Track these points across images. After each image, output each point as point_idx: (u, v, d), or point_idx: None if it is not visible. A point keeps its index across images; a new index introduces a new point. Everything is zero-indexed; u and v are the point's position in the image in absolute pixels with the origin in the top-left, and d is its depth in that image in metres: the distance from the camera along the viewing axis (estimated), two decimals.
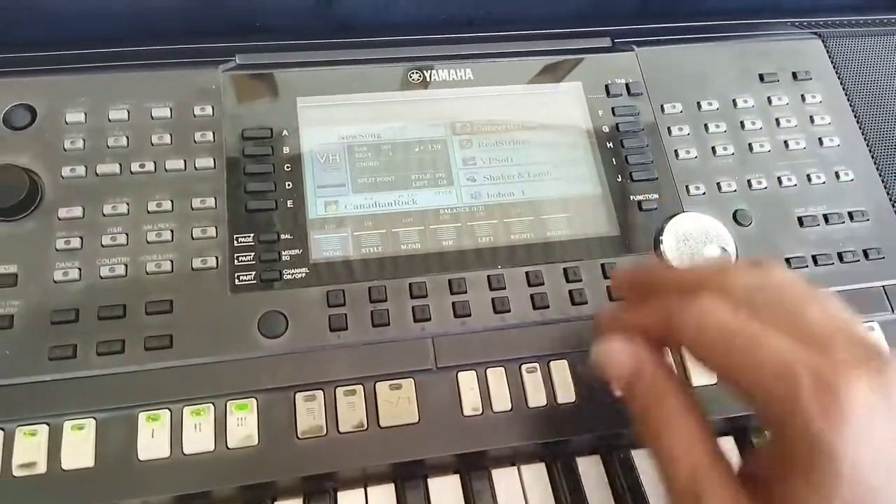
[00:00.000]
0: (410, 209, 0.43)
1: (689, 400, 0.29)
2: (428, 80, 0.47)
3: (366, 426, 0.37)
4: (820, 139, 0.48)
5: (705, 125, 0.48)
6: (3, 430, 0.36)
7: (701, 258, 0.43)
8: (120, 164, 0.41)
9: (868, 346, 0.26)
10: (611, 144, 0.46)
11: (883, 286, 0.45)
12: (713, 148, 0.47)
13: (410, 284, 0.41)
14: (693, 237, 0.44)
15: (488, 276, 0.42)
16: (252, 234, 0.41)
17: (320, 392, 0.38)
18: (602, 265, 0.43)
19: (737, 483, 0.26)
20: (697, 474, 0.26)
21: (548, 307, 0.41)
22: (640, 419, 0.30)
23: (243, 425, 0.37)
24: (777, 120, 0.48)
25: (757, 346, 0.26)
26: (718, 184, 0.46)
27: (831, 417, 0.24)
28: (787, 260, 0.44)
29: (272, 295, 0.40)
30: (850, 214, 0.46)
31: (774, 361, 0.25)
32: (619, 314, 0.34)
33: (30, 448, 0.35)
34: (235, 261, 0.40)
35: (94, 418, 0.36)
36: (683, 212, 0.45)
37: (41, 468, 0.35)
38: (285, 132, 0.44)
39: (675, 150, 0.47)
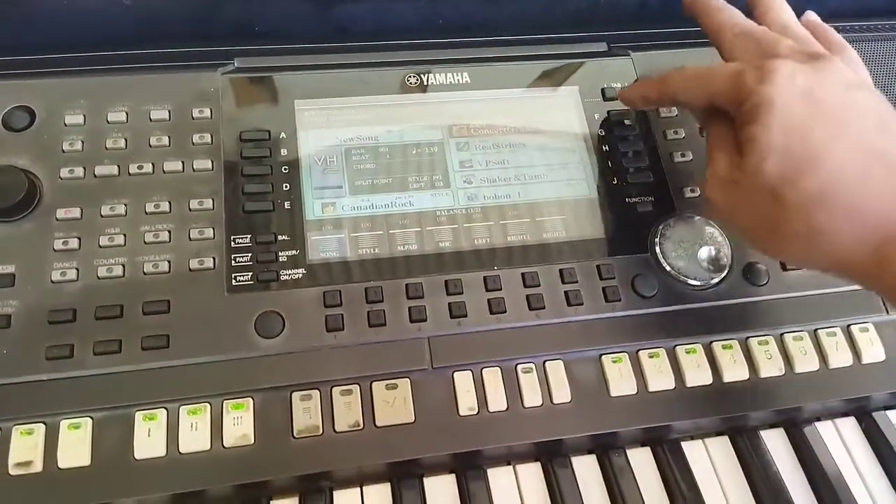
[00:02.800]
0: (407, 211, 0.43)
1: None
2: (425, 83, 0.47)
3: (362, 426, 0.38)
4: None
5: (700, 128, 0.48)
6: None
7: (694, 259, 0.43)
8: (118, 166, 0.41)
9: (812, 55, 0.36)
10: (606, 148, 0.47)
11: None
12: None
13: (407, 285, 0.41)
14: (688, 239, 0.44)
15: (484, 278, 0.42)
16: (249, 236, 0.41)
17: (316, 392, 0.38)
18: (597, 267, 0.43)
19: (737, 148, 0.36)
20: (715, 148, 0.38)
21: (543, 308, 0.41)
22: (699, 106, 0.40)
23: (239, 424, 0.37)
24: None
25: (719, 69, 0.37)
26: None
27: (764, 77, 0.34)
28: (782, 264, 0.44)
29: (269, 295, 0.40)
30: None
31: (729, 72, 0.36)
32: None
33: (26, 447, 0.35)
34: (232, 261, 0.40)
35: (91, 417, 0.36)
36: (678, 214, 0.45)
37: (37, 467, 0.35)
38: (283, 135, 0.44)
39: (670, 153, 0.47)
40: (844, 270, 0.35)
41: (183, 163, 0.42)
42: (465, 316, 0.41)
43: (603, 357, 0.41)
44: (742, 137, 0.35)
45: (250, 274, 0.40)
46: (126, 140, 0.42)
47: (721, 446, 0.42)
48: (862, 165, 0.33)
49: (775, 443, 0.42)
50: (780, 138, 0.33)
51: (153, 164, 0.42)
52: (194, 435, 0.36)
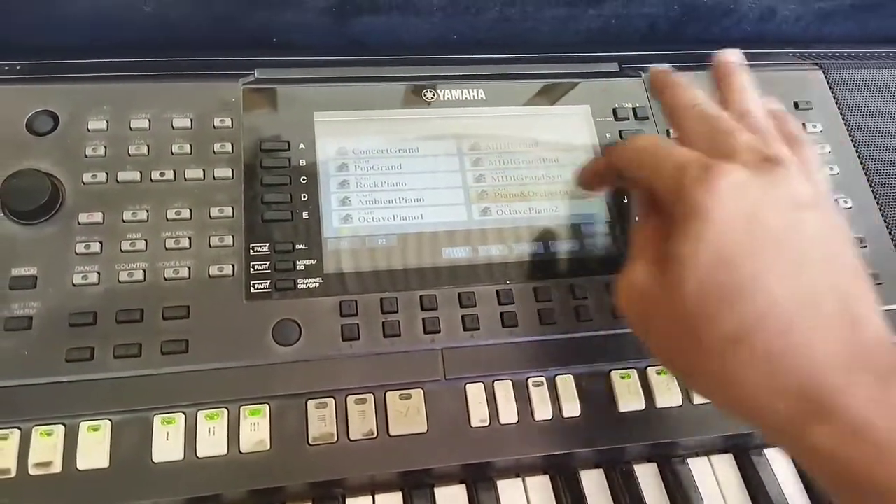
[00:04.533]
0: (422, 224, 0.44)
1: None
2: (441, 98, 0.48)
3: (375, 434, 0.38)
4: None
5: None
6: (19, 429, 0.36)
7: None
8: (140, 172, 0.42)
9: (768, 158, 0.32)
10: None
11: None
12: None
13: (421, 297, 0.42)
14: None
15: (497, 291, 0.43)
16: (268, 244, 0.42)
17: (332, 400, 0.39)
18: (606, 284, 0.44)
19: (660, 257, 0.33)
20: (639, 249, 0.35)
21: (554, 323, 0.42)
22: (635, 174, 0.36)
23: (256, 430, 0.37)
24: None
25: (668, 153, 0.33)
26: None
27: (705, 186, 0.30)
28: None
29: (286, 304, 0.40)
30: None
31: (675, 161, 0.32)
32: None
33: (46, 448, 0.36)
34: (251, 269, 0.41)
35: (110, 420, 0.37)
36: None
37: (56, 468, 0.36)
38: (302, 145, 0.45)
39: None
40: (758, 424, 0.31)
41: (204, 171, 0.43)
42: (478, 329, 0.41)
43: (612, 373, 0.42)
44: (668, 249, 0.31)
45: (268, 282, 0.41)
46: (148, 147, 0.43)
47: (726, 464, 0.43)
48: (792, 307, 0.29)
49: (779, 462, 0.43)
50: (707, 264, 0.30)
51: (175, 172, 0.42)
52: (212, 439, 0.37)
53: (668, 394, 0.41)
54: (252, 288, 0.40)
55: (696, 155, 0.32)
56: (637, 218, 0.37)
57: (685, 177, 0.31)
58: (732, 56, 0.40)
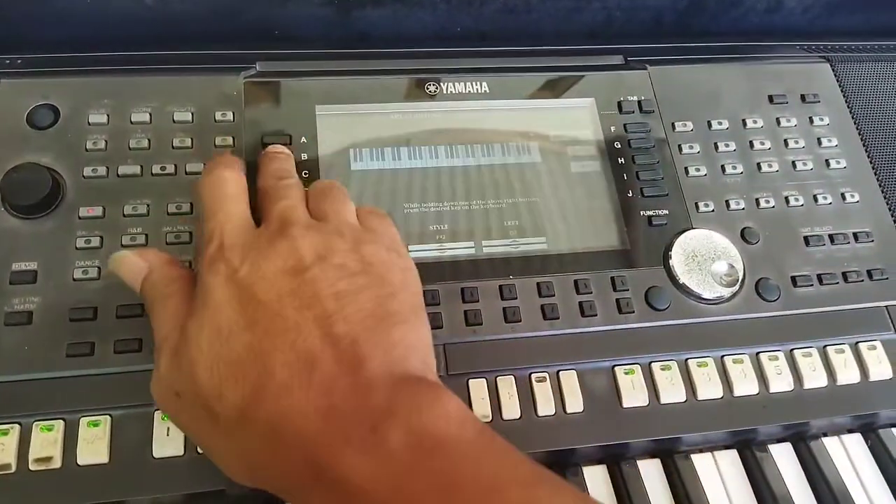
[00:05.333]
0: (425, 217, 0.44)
1: (180, 287, 0.34)
2: (444, 91, 0.48)
3: None
4: (827, 161, 0.49)
5: (715, 144, 0.48)
6: (19, 424, 0.36)
7: (709, 273, 0.44)
8: (141, 166, 0.42)
9: (282, 223, 0.33)
10: (622, 160, 0.47)
11: (886, 306, 0.45)
12: (722, 166, 0.48)
13: (423, 292, 0.41)
14: (701, 253, 0.44)
15: (500, 286, 0.42)
16: None
17: None
18: (612, 278, 0.43)
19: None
20: (162, 344, 0.33)
21: (558, 318, 0.42)
22: (148, 306, 0.35)
23: None
24: (785, 141, 0.49)
25: (211, 217, 0.34)
26: (727, 201, 0.47)
27: (209, 266, 0.32)
28: (793, 278, 0.45)
29: None
30: (855, 235, 0.47)
31: (211, 229, 0.33)
32: None
33: (46, 443, 0.36)
34: None
35: (110, 415, 0.37)
36: (692, 228, 0.45)
37: (56, 463, 0.35)
38: (304, 139, 0.44)
39: (686, 168, 0.48)
40: (274, 492, 0.30)
41: (205, 164, 0.42)
42: (481, 324, 0.41)
43: (616, 368, 0.41)
44: (182, 335, 0.31)
45: None
46: (149, 140, 0.43)
47: (730, 459, 0.42)
48: (287, 372, 0.29)
49: (783, 457, 0.43)
50: (209, 343, 0.30)
51: (175, 166, 0.42)
52: None
53: (672, 389, 0.41)
54: None
55: (218, 232, 0.33)
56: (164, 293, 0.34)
57: (205, 253, 0.33)
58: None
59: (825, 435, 0.44)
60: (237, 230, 0.33)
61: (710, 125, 0.49)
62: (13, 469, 0.35)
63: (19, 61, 0.45)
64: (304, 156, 0.44)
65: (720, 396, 0.41)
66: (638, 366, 0.41)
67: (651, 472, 0.41)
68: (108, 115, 0.43)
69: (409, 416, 0.27)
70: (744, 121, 0.50)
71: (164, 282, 0.34)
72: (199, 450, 0.36)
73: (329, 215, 0.35)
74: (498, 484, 0.27)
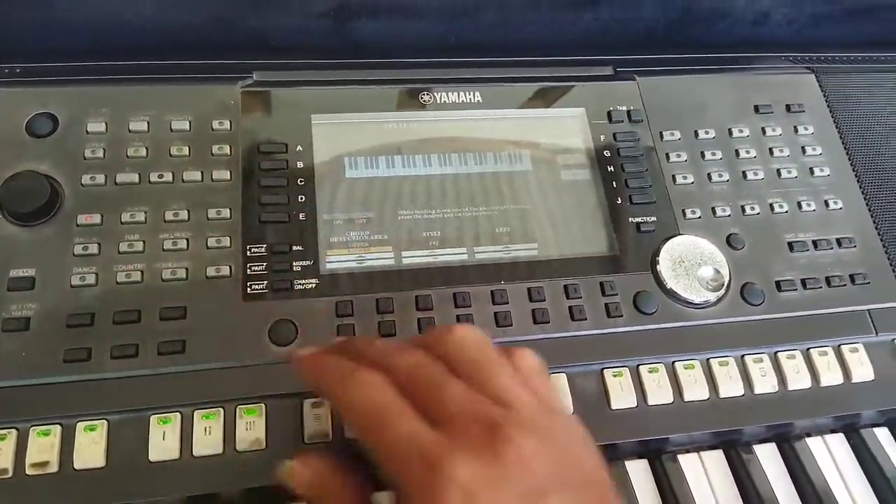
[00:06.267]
0: (418, 223, 0.45)
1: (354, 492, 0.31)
2: (438, 101, 0.49)
3: None
4: (811, 169, 0.50)
5: (702, 152, 0.50)
6: (17, 429, 0.36)
7: (695, 278, 0.45)
8: (139, 174, 0.42)
9: (487, 424, 0.27)
10: (611, 168, 0.48)
11: (868, 310, 0.46)
12: (709, 174, 0.49)
13: (417, 297, 0.42)
14: (688, 259, 0.45)
15: (491, 291, 0.43)
16: (265, 245, 0.42)
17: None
18: (601, 283, 0.44)
19: None
20: None
21: (548, 322, 0.43)
22: None
23: (252, 429, 0.38)
24: (770, 149, 0.51)
25: (389, 426, 0.28)
26: (713, 208, 0.48)
27: (429, 495, 0.25)
28: (777, 283, 0.46)
29: (283, 304, 0.41)
30: (839, 241, 0.48)
31: (397, 443, 0.27)
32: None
33: (43, 447, 0.36)
34: (248, 270, 0.41)
35: (107, 420, 0.37)
36: (679, 234, 0.46)
37: (53, 467, 0.36)
38: (300, 147, 0.45)
39: (673, 176, 0.49)
40: None
41: (202, 173, 0.43)
42: None
43: (604, 371, 0.42)
44: None
45: (265, 283, 0.41)
46: (147, 149, 0.43)
47: (715, 459, 0.43)
48: None
49: (767, 457, 0.43)
50: None
51: (173, 174, 0.43)
52: (208, 439, 0.37)
53: (660, 391, 0.42)
54: (249, 289, 0.41)
55: (414, 434, 0.27)
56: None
57: (408, 474, 0.27)
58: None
59: (809, 435, 0.45)
60: (435, 438, 0.27)
61: (696, 134, 0.50)
62: (10, 474, 0.35)
63: (18, 70, 0.45)
64: (300, 164, 0.45)
65: (706, 398, 0.42)
66: (626, 368, 0.42)
67: (639, 473, 0.42)
68: (106, 124, 0.43)
69: None
70: (730, 130, 0.51)
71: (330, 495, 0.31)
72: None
73: (510, 400, 0.29)
74: None
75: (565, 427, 0.29)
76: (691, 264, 0.45)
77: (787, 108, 0.52)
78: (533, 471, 0.26)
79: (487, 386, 0.29)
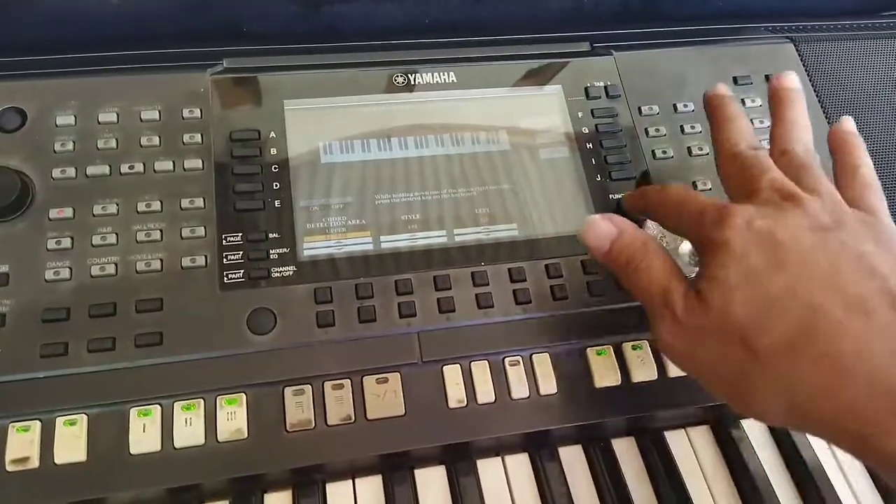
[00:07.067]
0: (396, 207, 0.44)
1: (658, 245, 0.37)
2: (412, 83, 0.48)
3: (353, 419, 0.38)
4: None
5: (681, 126, 0.49)
6: None
7: (676, 255, 0.44)
8: (109, 166, 0.42)
9: (788, 194, 0.34)
10: (590, 145, 0.48)
11: None
12: (689, 148, 0.49)
13: (396, 281, 0.42)
14: (669, 234, 0.45)
15: (472, 273, 0.43)
16: (240, 234, 0.42)
17: (308, 386, 0.39)
18: (582, 262, 0.44)
19: (691, 290, 0.34)
20: (666, 287, 0.35)
21: (530, 302, 0.42)
22: (626, 269, 0.37)
23: (233, 419, 0.38)
24: (751, 121, 0.50)
25: (691, 201, 0.36)
26: (694, 182, 0.47)
27: (720, 225, 0.33)
28: None
29: (261, 292, 0.40)
30: None
31: (695, 208, 0.36)
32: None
33: (22, 443, 0.36)
34: (224, 259, 0.41)
35: (86, 414, 0.37)
36: None
37: (34, 463, 0.36)
38: (273, 134, 0.45)
39: (653, 151, 0.48)
40: (830, 434, 0.31)
41: (174, 162, 0.43)
42: (454, 311, 0.41)
43: (587, 349, 0.42)
44: (701, 280, 0.33)
45: (242, 271, 0.41)
46: (117, 140, 0.43)
47: (703, 435, 0.43)
48: (840, 313, 0.30)
49: (756, 433, 0.43)
50: (741, 281, 0.32)
51: (144, 164, 0.42)
52: (188, 430, 0.37)
53: (644, 368, 0.41)
54: (225, 278, 0.40)
55: (711, 202, 0.35)
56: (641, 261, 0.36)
57: (703, 222, 0.34)
58: (791, 82, 0.43)
59: None
60: (721, 202, 0.35)
61: (675, 108, 0.50)
62: None
63: None
64: (274, 151, 0.44)
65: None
66: (609, 346, 0.42)
67: (626, 450, 0.42)
68: (75, 117, 0.43)
69: None
70: None
71: (639, 243, 0.37)
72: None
73: (820, 191, 0.35)
74: None
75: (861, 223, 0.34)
76: (673, 239, 0.45)
77: (767, 78, 0.51)
78: (815, 219, 0.33)
79: (805, 181, 0.35)
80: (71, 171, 0.42)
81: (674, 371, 0.42)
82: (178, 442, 0.37)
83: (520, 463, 0.41)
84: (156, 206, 0.41)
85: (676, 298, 0.34)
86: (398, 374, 0.40)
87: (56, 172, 0.41)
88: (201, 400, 0.38)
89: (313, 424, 0.38)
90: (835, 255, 0.31)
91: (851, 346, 0.29)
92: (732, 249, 0.32)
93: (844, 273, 0.31)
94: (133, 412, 0.37)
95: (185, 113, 0.44)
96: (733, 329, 0.31)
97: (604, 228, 0.38)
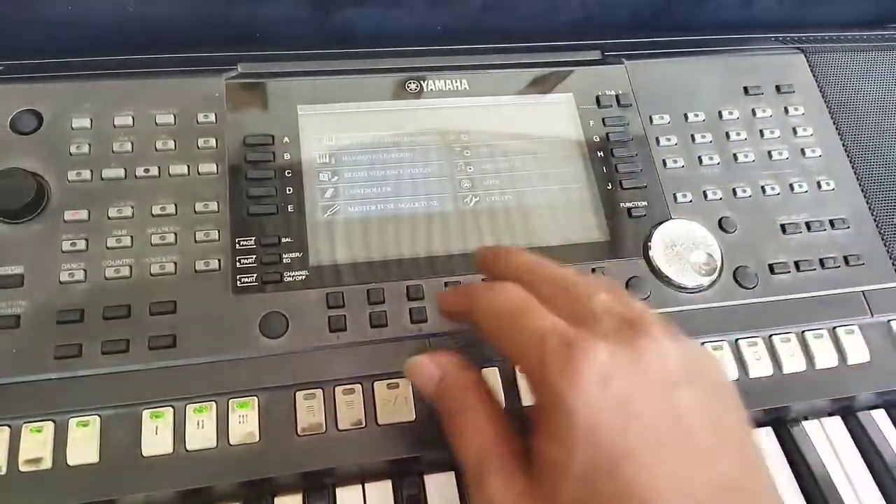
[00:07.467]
0: (407, 215, 0.44)
1: (485, 394, 0.32)
2: (424, 89, 0.48)
3: (364, 424, 0.39)
4: (802, 150, 0.50)
5: (692, 136, 0.49)
6: (9, 426, 0.36)
7: (686, 263, 0.44)
8: (125, 169, 0.42)
9: (628, 321, 0.29)
10: (601, 153, 0.48)
11: (862, 291, 0.46)
12: (699, 157, 0.49)
13: (408, 287, 0.42)
14: (680, 243, 0.45)
15: (483, 280, 0.43)
16: (253, 238, 0.42)
17: (320, 391, 0.39)
18: (593, 269, 0.44)
19: (517, 459, 0.29)
20: (483, 457, 0.29)
21: None
22: (445, 419, 0.32)
23: (245, 423, 0.38)
24: (761, 131, 0.50)
25: (530, 319, 0.29)
26: (704, 192, 0.48)
27: (569, 376, 0.26)
28: (770, 266, 0.46)
29: (273, 296, 0.41)
30: (832, 222, 0.48)
31: (533, 333, 0.29)
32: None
33: (36, 444, 0.36)
34: (237, 263, 0.41)
35: (99, 415, 0.37)
36: (671, 219, 0.46)
37: (47, 464, 0.36)
38: (286, 139, 0.45)
39: (663, 160, 0.48)
40: None
41: (188, 166, 0.43)
42: None
43: None
44: (536, 447, 0.28)
45: (255, 275, 0.41)
46: (132, 144, 0.43)
47: None
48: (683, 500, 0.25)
49: (764, 441, 0.43)
50: (584, 472, 0.25)
51: (159, 168, 0.43)
52: (201, 433, 0.37)
53: None
54: (238, 282, 0.41)
55: (555, 325, 0.29)
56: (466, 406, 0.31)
57: (546, 356, 0.27)
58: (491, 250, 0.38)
59: (805, 419, 0.45)
60: (574, 329, 0.28)
61: (686, 117, 0.50)
62: (4, 471, 0.35)
63: (1, 67, 0.45)
64: (287, 155, 0.44)
65: None
66: None
67: None
68: (91, 120, 0.43)
69: None
70: (720, 112, 0.50)
71: (458, 392, 0.32)
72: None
73: (645, 315, 0.30)
74: None
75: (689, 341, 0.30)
76: (683, 249, 0.45)
77: (777, 88, 0.52)
78: (668, 365, 0.27)
79: (623, 302, 0.30)
80: (86, 174, 0.42)
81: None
82: (190, 444, 0.37)
83: None
84: (170, 209, 0.42)
85: (494, 479, 0.28)
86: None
87: (71, 175, 0.42)
88: (213, 403, 0.38)
89: (324, 428, 0.38)
90: (685, 427, 0.26)
91: None
92: (580, 422, 0.26)
93: (691, 456, 0.26)
94: (146, 414, 0.37)
95: (200, 117, 0.44)
96: None
97: (426, 371, 0.33)
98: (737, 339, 0.44)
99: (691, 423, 0.26)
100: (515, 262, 0.35)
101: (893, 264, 0.47)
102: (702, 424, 0.27)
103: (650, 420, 0.26)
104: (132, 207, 0.41)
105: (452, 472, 0.40)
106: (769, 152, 0.50)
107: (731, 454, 0.27)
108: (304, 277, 0.41)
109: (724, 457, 0.26)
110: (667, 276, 0.44)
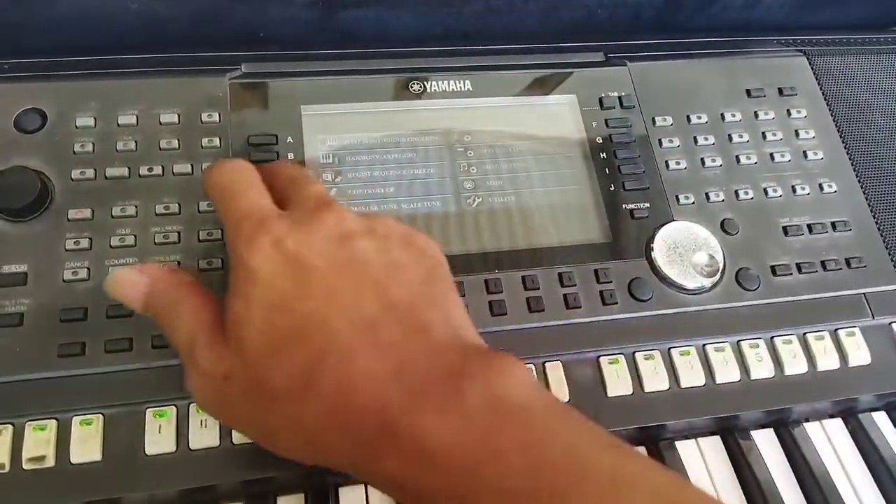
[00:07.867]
0: (410, 215, 0.44)
1: (197, 287, 0.33)
2: (428, 90, 0.48)
3: None
4: (804, 152, 0.50)
5: (694, 138, 0.49)
6: (12, 424, 0.36)
7: (688, 265, 0.45)
8: (129, 168, 0.42)
9: (325, 203, 0.32)
10: (604, 155, 0.48)
11: (864, 293, 0.46)
12: (702, 159, 0.49)
13: None
14: (682, 245, 0.45)
15: (485, 281, 0.43)
16: None
17: None
18: (595, 270, 0.44)
19: (219, 338, 0.31)
20: (194, 336, 0.31)
21: (543, 311, 0.42)
22: (160, 320, 0.33)
23: None
24: (763, 133, 0.50)
25: (241, 196, 0.33)
26: (707, 194, 0.48)
27: (249, 244, 0.30)
28: (772, 268, 0.46)
29: None
30: (833, 224, 0.48)
31: (237, 212, 0.32)
32: None
33: (39, 442, 0.36)
34: None
35: (102, 414, 0.37)
36: (673, 220, 0.46)
37: (50, 462, 0.36)
38: (290, 139, 0.45)
39: (666, 161, 0.48)
40: (337, 466, 0.29)
41: (192, 165, 0.43)
42: None
43: (600, 358, 0.42)
44: (226, 308, 0.30)
45: None
46: (136, 143, 0.43)
47: (713, 445, 0.43)
48: (351, 337, 0.28)
49: (765, 443, 0.44)
50: (262, 318, 0.28)
51: (163, 167, 0.43)
52: (204, 431, 0.37)
53: (656, 378, 0.42)
54: None
55: (260, 208, 0.32)
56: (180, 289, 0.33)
57: (240, 235, 0.31)
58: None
59: (807, 420, 0.45)
60: (271, 209, 0.32)
61: (689, 119, 0.50)
62: (7, 469, 0.35)
63: (6, 66, 0.45)
64: (291, 155, 0.45)
65: (702, 384, 0.42)
66: (622, 356, 0.42)
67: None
68: (95, 118, 0.43)
69: (487, 380, 0.27)
70: (722, 114, 0.51)
71: (171, 289, 0.33)
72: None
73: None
74: (581, 444, 0.26)
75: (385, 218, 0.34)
76: (685, 250, 0.45)
77: (780, 91, 0.52)
78: (344, 225, 0.31)
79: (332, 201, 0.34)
80: (90, 173, 0.42)
81: (686, 381, 0.42)
82: (194, 443, 0.37)
83: None
84: (174, 208, 0.42)
85: (202, 350, 0.30)
86: None
87: (75, 173, 0.42)
88: None
89: None
90: (355, 270, 0.30)
91: (358, 377, 0.27)
92: (258, 280, 0.29)
93: (360, 291, 0.29)
94: (149, 413, 0.37)
95: (204, 117, 0.44)
96: (254, 372, 0.29)
97: (131, 280, 0.33)
98: (739, 341, 0.44)
99: (363, 262, 0.30)
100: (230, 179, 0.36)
101: (895, 266, 0.47)
102: (375, 263, 0.30)
103: (324, 269, 0.29)
104: (136, 206, 0.41)
105: None
106: (771, 154, 0.50)
107: (403, 283, 0.30)
108: None
109: (397, 286, 0.30)
110: (669, 278, 0.44)
